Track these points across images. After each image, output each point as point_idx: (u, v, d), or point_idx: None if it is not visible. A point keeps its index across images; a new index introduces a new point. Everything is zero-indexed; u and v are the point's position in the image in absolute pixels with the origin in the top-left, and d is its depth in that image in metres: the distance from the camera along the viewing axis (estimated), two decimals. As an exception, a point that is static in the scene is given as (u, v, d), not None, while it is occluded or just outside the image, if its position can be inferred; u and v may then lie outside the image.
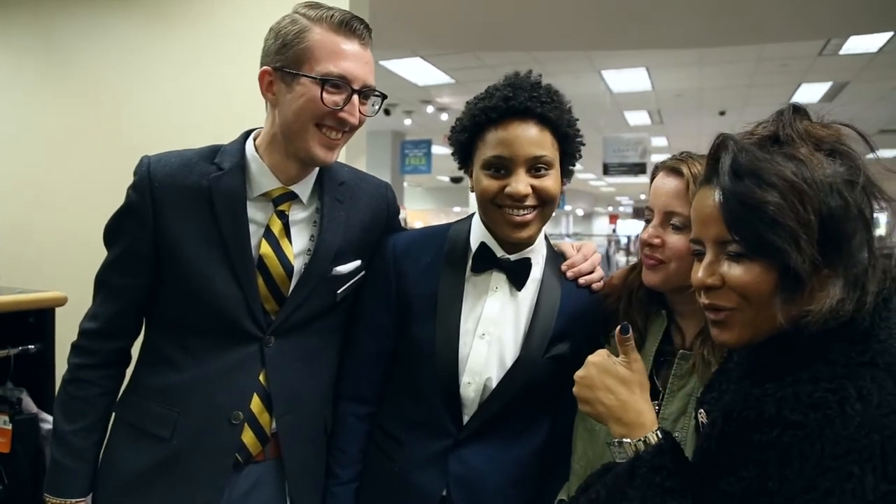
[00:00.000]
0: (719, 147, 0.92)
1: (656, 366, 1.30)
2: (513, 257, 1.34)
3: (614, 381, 1.06)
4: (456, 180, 19.06)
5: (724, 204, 0.88)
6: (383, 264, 1.40)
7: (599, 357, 1.09)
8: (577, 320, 1.36)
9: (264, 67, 1.27)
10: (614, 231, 23.02)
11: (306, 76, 1.22)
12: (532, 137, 1.26)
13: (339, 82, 1.22)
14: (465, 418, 1.33)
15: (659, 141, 12.35)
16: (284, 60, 1.24)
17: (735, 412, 0.88)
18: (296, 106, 1.23)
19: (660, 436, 0.99)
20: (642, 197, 24.25)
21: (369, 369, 1.42)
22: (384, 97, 1.34)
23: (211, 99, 2.87)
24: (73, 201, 3.08)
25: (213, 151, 1.33)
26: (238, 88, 2.76)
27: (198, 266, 1.27)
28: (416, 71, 7.54)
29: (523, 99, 1.25)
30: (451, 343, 1.31)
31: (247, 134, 1.37)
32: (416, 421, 1.36)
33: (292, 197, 1.33)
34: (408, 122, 10.41)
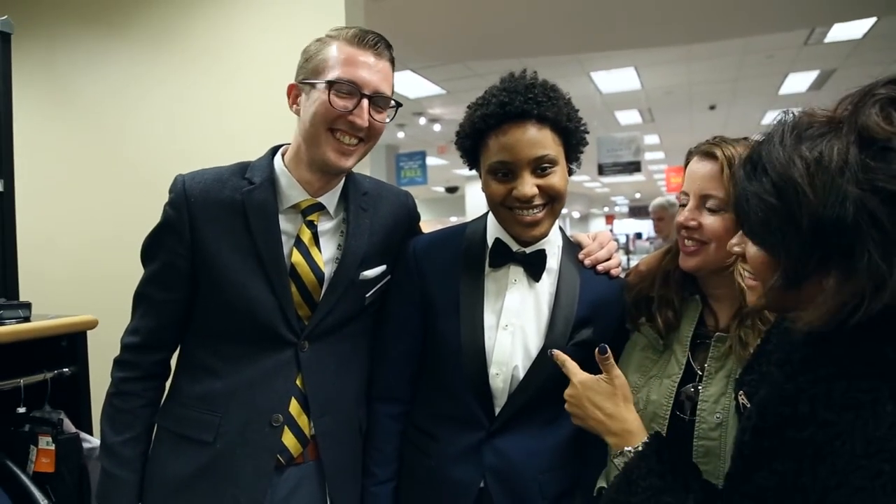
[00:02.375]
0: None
1: (692, 349, 1.33)
2: (528, 250, 1.39)
3: (599, 396, 1.17)
4: (451, 190, 19.13)
5: (733, 186, 0.93)
6: (406, 267, 1.45)
7: (584, 376, 1.20)
8: (598, 307, 1.40)
9: (291, 83, 1.35)
10: (611, 231, 23.05)
11: (319, 82, 1.30)
12: (532, 138, 1.27)
13: (347, 86, 1.29)
14: (497, 409, 1.37)
15: (651, 139, 12.44)
16: (306, 73, 1.33)
17: (769, 408, 0.88)
18: (311, 111, 1.31)
19: (645, 441, 1.07)
20: (637, 196, 24.33)
21: (399, 369, 1.46)
22: (399, 105, 1.39)
23: (207, 123, 2.95)
24: (85, 225, 3.15)
25: (244, 167, 1.39)
26: (233, 113, 2.85)
27: (234, 276, 1.32)
28: (408, 84, 7.62)
29: (519, 102, 1.27)
30: (476, 337, 1.35)
31: (274, 149, 1.44)
32: (449, 416, 1.40)
33: (320, 208, 1.39)
34: (401, 135, 10.48)
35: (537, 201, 1.30)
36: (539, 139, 1.28)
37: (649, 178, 18.70)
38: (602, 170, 9.88)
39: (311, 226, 1.38)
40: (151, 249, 1.38)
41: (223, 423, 1.34)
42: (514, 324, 1.37)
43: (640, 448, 1.06)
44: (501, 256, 1.39)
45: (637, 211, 22.91)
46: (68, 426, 1.73)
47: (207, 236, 1.33)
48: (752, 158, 0.88)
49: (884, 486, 0.75)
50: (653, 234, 6.94)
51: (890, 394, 0.78)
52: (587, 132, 1.38)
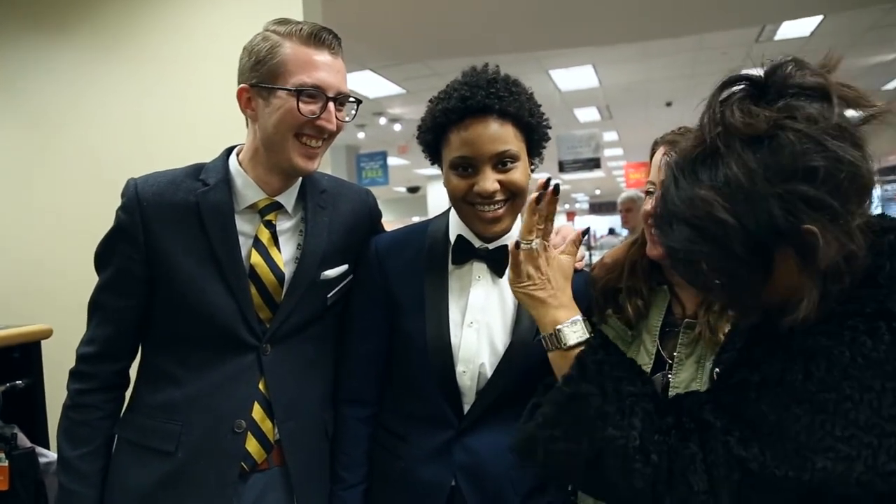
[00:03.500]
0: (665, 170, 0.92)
1: (661, 337, 1.35)
2: (490, 246, 1.37)
3: (557, 272, 1.09)
4: (413, 190, 19.10)
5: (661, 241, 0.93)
6: (368, 266, 1.43)
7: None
8: None
9: (242, 85, 1.30)
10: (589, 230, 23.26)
11: (282, 89, 1.26)
12: (494, 134, 1.26)
13: (313, 92, 1.26)
14: (466, 408, 1.36)
15: (610, 135, 12.60)
16: (259, 76, 1.27)
17: (764, 327, 0.89)
18: (274, 119, 1.27)
19: (589, 331, 1.03)
20: (597, 192, 24.61)
21: (365, 370, 1.45)
22: (359, 102, 1.38)
23: (164, 123, 2.88)
24: (37, 231, 3.05)
25: (198, 169, 1.36)
26: (192, 112, 2.79)
27: (191, 280, 1.29)
28: (367, 84, 7.58)
29: (481, 97, 1.25)
30: (441, 334, 1.34)
31: (228, 151, 1.41)
32: (419, 416, 1.39)
33: (277, 207, 1.37)
34: (361, 135, 10.42)
35: (499, 197, 1.28)
36: (501, 134, 1.27)
37: (609, 175, 18.94)
38: (562, 167, 9.97)
39: (270, 226, 1.36)
40: (105, 256, 1.34)
41: (184, 431, 1.30)
42: (479, 320, 1.36)
43: (589, 339, 1.02)
44: (464, 253, 1.38)
45: (598, 207, 23.20)
46: (23, 441, 1.67)
47: (162, 240, 1.29)
48: (661, 214, 0.88)
49: (870, 401, 0.77)
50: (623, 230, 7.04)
51: (887, 327, 0.79)
52: (549, 128, 1.38)
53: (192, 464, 1.30)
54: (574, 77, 8.10)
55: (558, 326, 1.04)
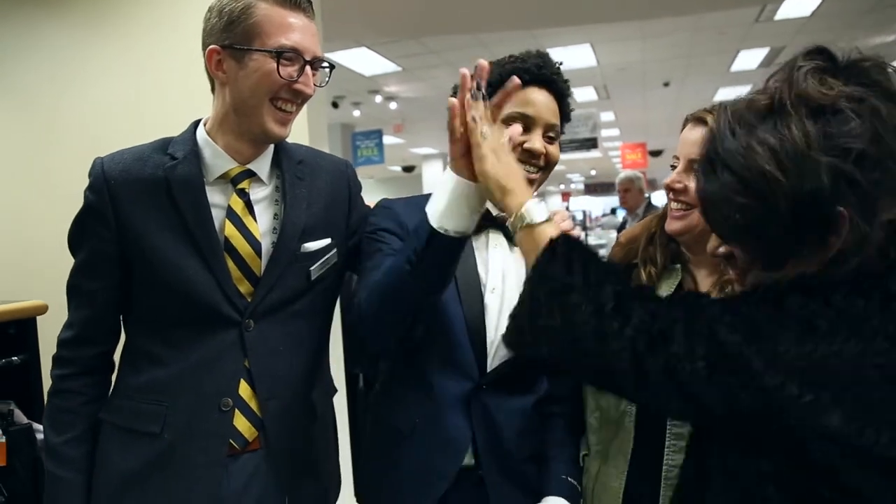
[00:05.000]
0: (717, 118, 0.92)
1: None
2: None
3: (505, 153, 1.12)
4: (408, 169, 19.05)
5: (697, 185, 0.93)
6: (398, 228, 1.40)
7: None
8: None
9: (212, 46, 1.26)
10: (567, 209, 23.33)
11: (260, 50, 1.23)
12: (552, 106, 1.38)
13: (291, 55, 1.24)
14: (489, 366, 1.37)
15: (607, 115, 12.55)
16: (233, 37, 1.24)
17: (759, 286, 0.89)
18: (251, 81, 1.24)
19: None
20: (592, 173, 24.58)
21: None
22: (332, 67, 1.36)
23: (153, 106, 2.83)
24: (31, 209, 3.03)
25: (165, 143, 1.33)
26: (181, 95, 2.73)
27: (166, 257, 1.27)
28: (363, 61, 7.50)
29: (550, 71, 1.38)
30: (474, 295, 1.37)
31: (195, 123, 1.37)
32: (447, 363, 1.37)
33: (250, 174, 1.34)
34: (357, 113, 10.35)
35: (538, 162, 1.36)
36: (555, 109, 1.39)
37: (605, 155, 18.89)
38: (560, 146, 9.94)
39: (243, 194, 1.32)
40: (76, 238, 1.32)
41: (170, 412, 1.28)
42: (499, 287, 1.38)
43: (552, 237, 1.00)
44: (483, 220, 1.36)
45: (593, 188, 23.17)
46: (19, 417, 1.68)
47: (133, 217, 1.27)
48: (708, 157, 0.89)
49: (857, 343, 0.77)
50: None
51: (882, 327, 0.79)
52: (569, 119, 1.46)
53: (179, 445, 1.28)
54: (571, 56, 8.03)
55: (525, 207, 1.05)
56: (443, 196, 1.18)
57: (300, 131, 2.65)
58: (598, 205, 23.15)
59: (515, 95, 1.29)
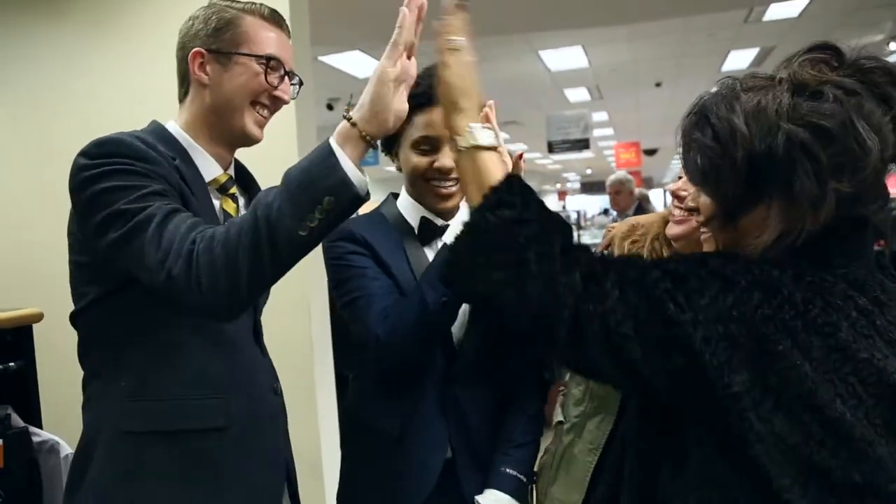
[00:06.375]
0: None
1: None
2: (450, 223, 1.50)
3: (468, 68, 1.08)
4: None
5: (679, 134, 0.99)
6: (358, 248, 1.46)
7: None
8: None
9: (197, 49, 1.30)
10: (564, 208, 23.35)
11: (248, 55, 1.29)
12: None
13: (276, 63, 1.31)
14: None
15: (599, 116, 12.59)
16: (220, 43, 1.30)
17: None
18: (235, 83, 1.29)
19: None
20: (588, 172, 24.63)
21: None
22: (301, 84, 1.41)
23: (156, 105, 2.82)
24: (28, 216, 3.07)
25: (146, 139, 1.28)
26: (172, 97, 2.76)
27: None
28: (356, 64, 7.53)
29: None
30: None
31: (158, 124, 1.37)
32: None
33: (234, 181, 1.39)
34: (351, 115, 10.37)
35: (454, 175, 1.42)
36: None
37: (599, 155, 18.96)
38: (552, 147, 9.99)
39: (235, 199, 1.38)
40: None
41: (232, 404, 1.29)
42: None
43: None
44: (429, 233, 1.50)
45: (589, 187, 23.20)
46: (16, 421, 1.72)
47: None
48: (698, 110, 0.96)
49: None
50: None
51: (802, 301, 0.84)
52: None
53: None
54: (564, 58, 8.09)
55: (470, 128, 1.04)
56: None
57: (289, 133, 2.71)
58: (595, 203, 23.15)
59: (418, 120, 1.39)
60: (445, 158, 1.40)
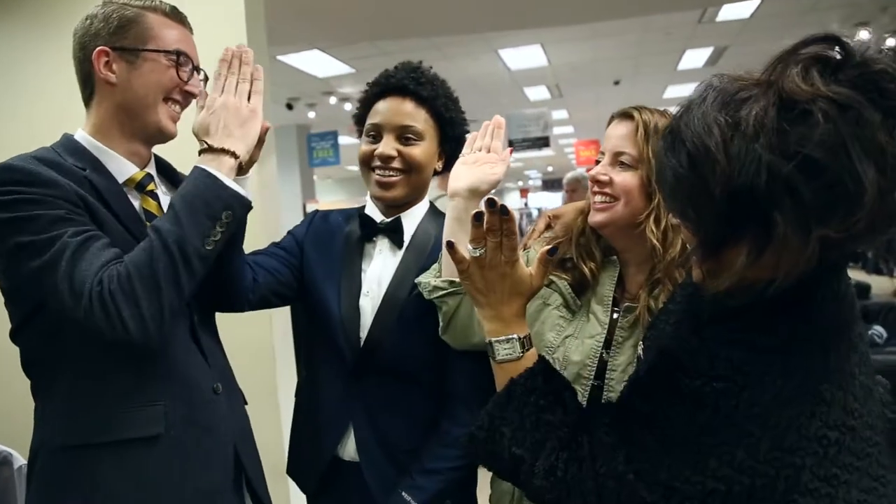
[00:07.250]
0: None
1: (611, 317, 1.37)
2: (388, 219, 1.50)
3: (490, 274, 1.03)
4: (365, 169, 18.86)
5: (655, 159, 0.97)
6: (303, 228, 1.57)
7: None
8: None
9: (101, 48, 1.27)
10: (526, 205, 23.51)
11: (157, 51, 1.28)
12: (404, 109, 1.43)
13: (184, 58, 1.31)
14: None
15: (559, 114, 12.69)
16: (125, 40, 1.27)
17: (670, 352, 0.89)
18: (146, 80, 1.28)
19: (523, 350, 1.04)
20: (549, 169, 24.81)
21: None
22: (206, 80, 1.39)
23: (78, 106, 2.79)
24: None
25: (52, 153, 1.27)
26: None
27: None
28: (316, 63, 7.48)
29: (401, 77, 1.44)
30: (351, 298, 1.47)
31: (68, 136, 1.34)
32: (327, 356, 1.50)
33: (151, 178, 1.36)
34: (311, 114, 10.28)
35: (395, 164, 1.43)
36: (410, 112, 1.44)
37: (559, 152, 19.11)
38: (512, 145, 10.03)
39: (154, 196, 1.35)
40: None
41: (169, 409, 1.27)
42: (374, 290, 1.47)
43: (533, 366, 1.01)
44: (368, 228, 1.50)
45: (550, 184, 23.38)
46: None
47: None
48: (672, 130, 0.84)
49: (747, 446, 0.80)
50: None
51: (783, 370, 0.80)
52: (467, 130, 1.50)
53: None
54: (523, 56, 8.12)
55: (489, 339, 1.04)
56: None
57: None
58: (556, 200, 23.36)
59: (374, 108, 1.46)
60: (385, 146, 1.42)
